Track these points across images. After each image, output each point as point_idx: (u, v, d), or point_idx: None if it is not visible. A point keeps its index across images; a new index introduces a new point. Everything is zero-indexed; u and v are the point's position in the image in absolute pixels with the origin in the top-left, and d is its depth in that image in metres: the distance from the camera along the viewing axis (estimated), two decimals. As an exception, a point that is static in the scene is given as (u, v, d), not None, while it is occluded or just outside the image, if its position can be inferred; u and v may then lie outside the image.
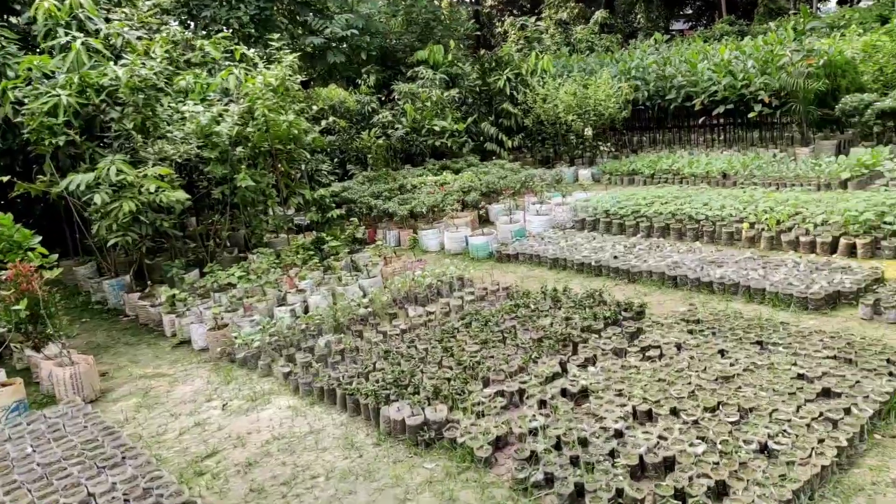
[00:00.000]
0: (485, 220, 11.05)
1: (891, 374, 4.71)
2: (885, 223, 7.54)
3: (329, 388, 5.48)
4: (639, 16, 30.88)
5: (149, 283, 8.68)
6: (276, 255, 8.92)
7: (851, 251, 7.50)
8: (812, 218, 8.01)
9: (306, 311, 7.51)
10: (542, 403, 4.85)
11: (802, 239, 7.86)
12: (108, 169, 7.58)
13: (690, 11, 36.82)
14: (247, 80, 9.60)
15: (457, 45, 16.76)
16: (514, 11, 35.49)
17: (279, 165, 9.83)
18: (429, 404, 4.92)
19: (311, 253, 8.79)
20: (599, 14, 25.07)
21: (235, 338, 6.61)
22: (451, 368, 5.46)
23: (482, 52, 17.19)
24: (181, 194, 7.91)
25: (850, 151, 11.78)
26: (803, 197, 8.91)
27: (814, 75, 12.56)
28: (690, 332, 5.81)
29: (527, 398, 4.93)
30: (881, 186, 9.70)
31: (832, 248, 7.66)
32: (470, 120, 14.06)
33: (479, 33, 30.99)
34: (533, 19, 21.73)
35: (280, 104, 9.73)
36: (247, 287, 7.85)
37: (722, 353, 5.34)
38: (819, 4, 32.84)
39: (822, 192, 9.84)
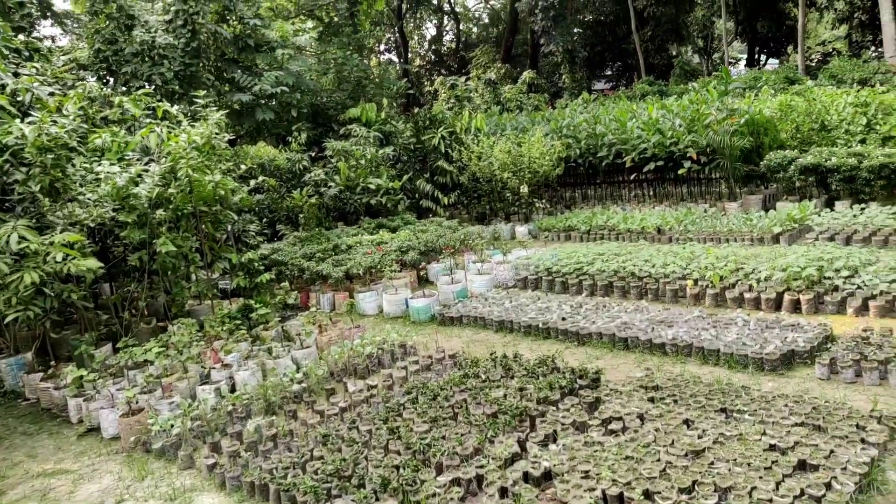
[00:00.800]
0: (425, 281, 10.64)
1: (863, 441, 4.50)
2: (825, 278, 7.58)
3: (261, 482, 4.83)
4: (563, 76, 31.95)
5: (53, 361, 7.75)
6: (198, 326, 8.19)
7: (796, 307, 7.48)
8: (755, 274, 8.00)
9: (233, 389, 6.81)
10: (504, 491, 4.37)
11: (747, 295, 7.81)
12: (9, 236, 6.78)
13: (610, 73, 38.50)
14: (170, 139, 9.01)
15: (389, 104, 16.64)
16: (443, 71, 36.19)
17: (203, 228, 9.17)
18: (377, 499, 4.36)
19: (238, 322, 8.11)
20: (527, 74, 25.72)
21: (152, 424, 5.86)
22: (399, 453, 4.92)
23: (416, 110, 17.12)
24: (93, 262, 7.15)
25: (776, 205, 12.13)
26: (741, 252, 8.95)
27: (738, 133, 13.00)
28: (651, 400, 5.50)
29: (486, 485, 4.44)
30: (813, 241, 9.91)
31: (777, 304, 7.63)
32: (406, 178, 13.80)
33: (410, 92, 31.31)
34: (462, 79, 22.00)
35: (205, 163, 9.16)
36: (165, 364, 7.08)
37: (687, 423, 5.03)
38: (730, 66, 35.00)
39: (757, 247, 9.97)
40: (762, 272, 7.91)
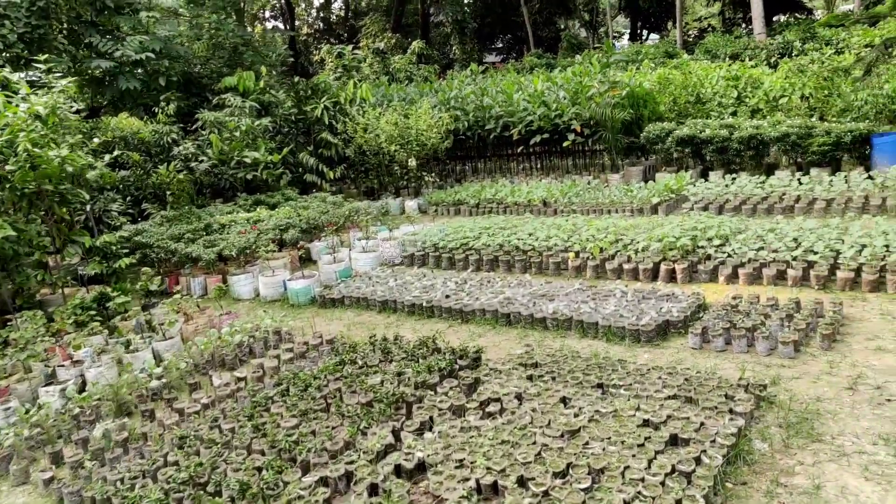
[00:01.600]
0: (306, 261, 10.12)
1: (731, 411, 4.55)
2: (699, 247, 7.77)
3: (103, 497, 4.29)
4: (454, 47, 31.68)
5: None
6: (47, 319, 7.33)
7: (672, 276, 7.63)
8: (633, 245, 8.09)
9: (83, 389, 6.11)
10: (374, 488, 4.09)
11: (626, 266, 7.90)
12: None
13: (501, 45, 38.64)
14: (7, 109, 7.95)
15: (268, 72, 15.70)
16: (332, 40, 34.96)
17: (51, 208, 8.21)
18: (233, 509, 3.95)
19: (93, 313, 7.32)
20: (416, 44, 25.22)
21: (-23, 437, 5.12)
22: (262, 454, 4.52)
23: (296, 78, 16.27)
24: None
25: (656, 176, 12.47)
26: (621, 223, 9.06)
27: (619, 105, 13.22)
28: (530, 378, 5.37)
29: (355, 483, 4.13)
30: (688, 210, 10.23)
31: (654, 274, 7.75)
32: (286, 150, 13.08)
33: (294, 60, 29.96)
34: (350, 48, 21.21)
35: (51, 137, 8.18)
36: (3, 364, 6.26)
37: (564, 401, 4.93)
38: (614, 41, 35.96)
39: (636, 218, 10.16)
40: (640, 243, 8.02)
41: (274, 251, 9.00)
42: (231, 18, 17.33)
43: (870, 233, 7.28)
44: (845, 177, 10.28)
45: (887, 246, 6.82)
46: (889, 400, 4.66)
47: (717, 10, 38.47)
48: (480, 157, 15.74)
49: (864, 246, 7.00)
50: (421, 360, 5.76)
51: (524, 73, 20.49)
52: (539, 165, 14.90)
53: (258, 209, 10.55)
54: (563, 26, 35.96)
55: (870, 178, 9.99)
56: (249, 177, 11.51)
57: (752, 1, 29.53)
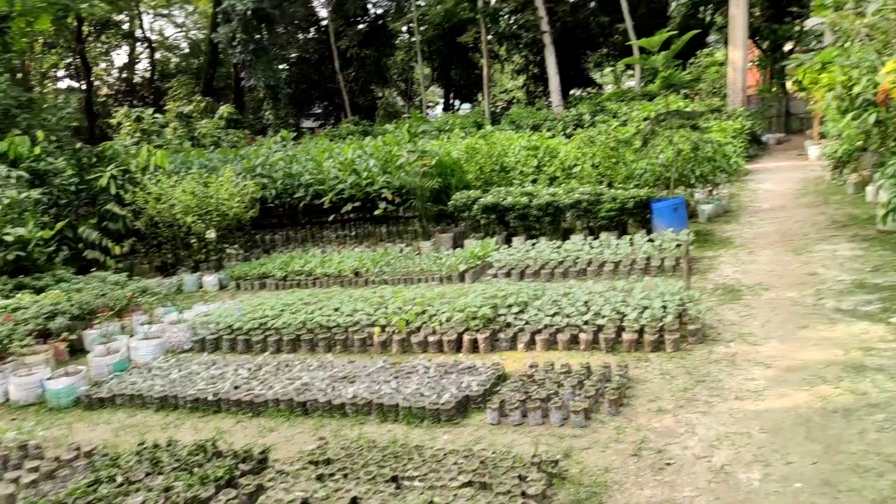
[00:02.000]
0: (78, 352, 8.83)
1: (524, 494, 4.39)
2: (499, 316, 7.82)
3: None
4: (267, 112, 31.09)
5: None
6: None
7: (474, 347, 7.57)
8: (438, 316, 7.98)
9: None
10: None
11: (431, 339, 7.73)
12: None
13: (320, 111, 38.70)
14: None
15: (46, 137, 14.07)
16: (135, 102, 32.82)
17: None
18: None
19: None
20: (224, 108, 24.33)
21: None
22: None
23: (78, 145, 14.76)
24: None
25: (465, 243, 12.72)
26: (428, 294, 8.97)
27: (428, 174, 13.45)
28: (320, 477, 4.87)
29: None
30: (492, 277, 10.44)
31: (458, 345, 7.66)
32: (61, 224, 11.61)
33: (90, 124, 27.58)
34: (150, 111, 19.88)
35: None
36: None
37: (355, 501, 4.49)
38: (428, 110, 37.51)
39: (445, 286, 10.16)
40: (444, 314, 7.92)
41: (30, 345, 7.71)
42: (3, 77, 15.45)
43: (649, 294, 7.78)
44: (630, 240, 11.11)
45: (664, 306, 7.30)
46: (668, 464, 4.78)
47: (522, 84, 41.74)
48: (292, 226, 15.17)
49: (645, 307, 7.43)
50: (196, 469, 5.03)
51: (338, 141, 20.44)
52: (353, 233, 14.65)
53: (19, 294, 9.10)
54: (380, 94, 36.89)
55: (650, 240, 10.88)
56: (12, 257, 9.98)
57: (549, 76, 32.46)
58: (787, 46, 31.51)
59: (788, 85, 21.53)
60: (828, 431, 4.89)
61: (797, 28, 29.83)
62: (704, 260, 10.53)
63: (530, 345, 7.44)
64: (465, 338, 7.61)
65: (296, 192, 14.17)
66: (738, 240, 11.62)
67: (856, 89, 11.73)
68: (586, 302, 7.93)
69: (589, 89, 38.76)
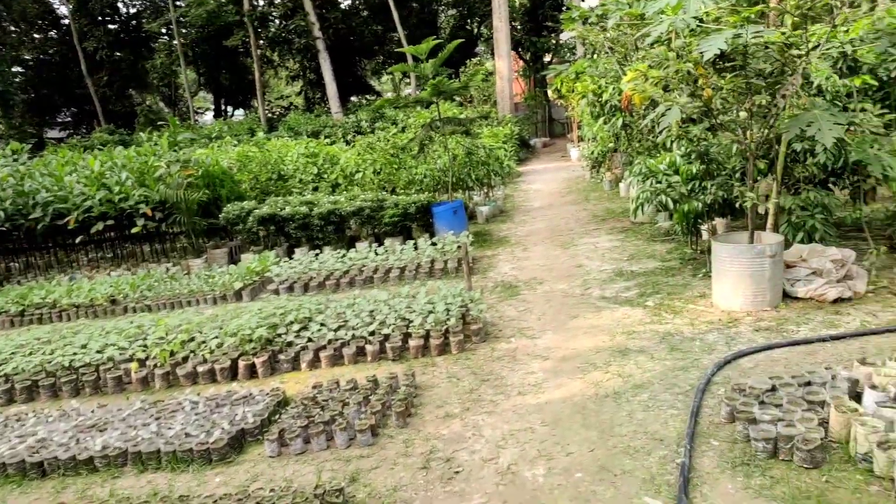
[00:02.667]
0: None
1: (304, 537, 3.90)
2: (279, 336, 7.21)
3: None
4: None
5: None
6: None
7: (252, 372, 6.88)
8: (208, 342, 7.15)
9: None
10: None
11: (201, 369, 6.88)
12: None
13: (69, 118, 34.23)
14: None
15: None
16: None
17: None
18: None
19: None
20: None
21: None
22: None
23: None
24: None
25: (242, 258, 11.81)
26: (196, 318, 8.05)
27: (194, 185, 12.28)
28: (52, 560, 3.94)
29: None
30: (273, 292, 9.74)
31: (233, 373, 6.90)
32: None
33: None
34: None
35: None
36: None
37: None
38: (197, 116, 35.00)
39: (220, 306, 9.26)
40: (214, 340, 7.11)
41: None
42: None
43: (433, 298, 7.68)
44: (415, 244, 11.07)
45: (448, 309, 7.23)
46: (457, 472, 4.60)
47: (299, 90, 40.77)
48: (32, 252, 12.98)
49: (430, 312, 7.30)
50: None
51: (91, 152, 18.05)
52: (109, 255, 12.90)
53: None
54: (140, 100, 33.60)
55: (433, 244, 10.93)
56: None
57: (326, 82, 32.04)
58: (547, 58, 34.48)
59: (549, 93, 23.41)
60: (601, 416, 5.05)
61: (553, 41, 32.72)
62: (484, 259, 10.82)
63: (314, 363, 6.94)
64: (241, 363, 6.89)
65: (31, 212, 12.10)
66: (514, 238, 12.17)
67: (605, 96, 12.92)
68: (372, 312, 7.62)
69: (368, 96, 39.04)
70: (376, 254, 10.78)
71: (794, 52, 6.49)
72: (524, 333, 7.02)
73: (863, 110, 6.56)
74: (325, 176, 15.65)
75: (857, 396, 4.49)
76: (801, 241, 7.35)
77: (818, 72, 7.47)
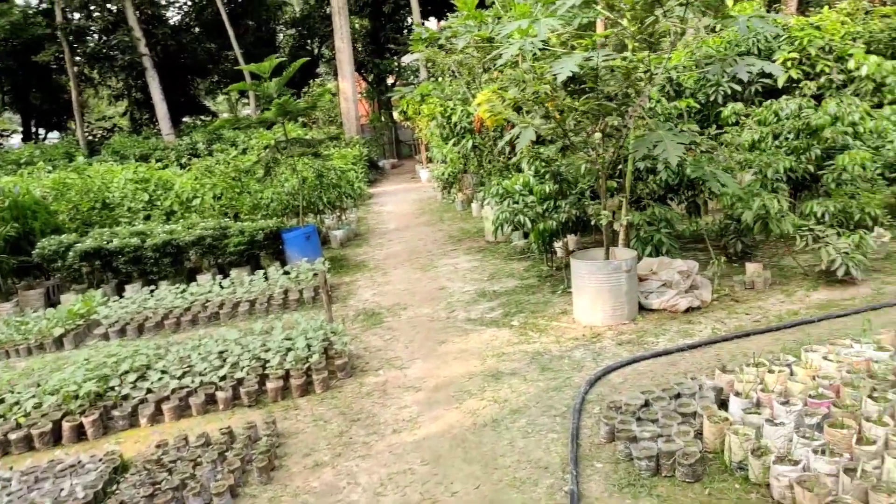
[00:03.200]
0: None
1: None
2: (111, 389, 6.27)
3: None
4: None
5: None
6: None
7: (81, 434, 5.90)
8: (22, 404, 6.05)
9: None
10: None
11: (14, 436, 5.78)
12: None
13: None
14: None
15: None
16: None
17: None
18: None
19: None
20: None
21: None
22: None
23: None
24: None
25: (61, 299, 10.38)
26: (6, 375, 6.83)
27: (0, 219, 10.64)
28: None
29: None
30: (102, 337, 8.59)
31: (56, 436, 5.88)
32: None
33: None
34: None
35: None
36: None
37: None
38: (3, 140, 31.08)
39: (35, 359, 7.99)
40: (29, 399, 6.03)
41: None
42: None
43: (291, 333, 7.11)
44: (265, 274, 10.35)
45: (309, 345, 6.71)
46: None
47: (124, 110, 37.64)
48: None
49: (288, 349, 6.73)
50: None
51: None
52: None
53: None
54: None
55: (286, 272, 10.27)
56: None
57: (155, 102, 29.79)
58: (390, 80, 34.64)
59: (395, 115, 23.44)
60: (482, 448, 4.83)
61: (396, 63, 32.96)
62: (343, 286, 10.35)
63: (156, 417, 6.10)
64: (66, 425, 5.88)
65: None
66: (372, 262, 11.81)
67: (454, 119, 13.00)
68: (221, 353, 6.89)
69: (203, 117, 36.90)
70: (221, 287, 9.91)
71: (638, 75, 6.81)
72: (393, 364, 6.68)
73: (703, 134, 7.01)
74: (159, 203, 14.32)
75: (723, 404, 4.65)
76: (650, 255, 7.70)
77: (651, 95, 7.96)
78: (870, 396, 4.07)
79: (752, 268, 7.35)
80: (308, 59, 12.65)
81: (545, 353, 6.31)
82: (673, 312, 6.87)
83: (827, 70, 10.67)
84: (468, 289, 9.07)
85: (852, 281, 6.94)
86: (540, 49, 7.71)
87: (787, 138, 8.61)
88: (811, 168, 8.18)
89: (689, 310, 6.84)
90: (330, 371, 6.58)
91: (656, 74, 6.61)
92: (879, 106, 10.07)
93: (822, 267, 6.89)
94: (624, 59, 6.67)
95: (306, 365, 6.46)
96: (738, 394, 4.48)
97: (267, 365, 6.49)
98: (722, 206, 8.40)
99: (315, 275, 10.07)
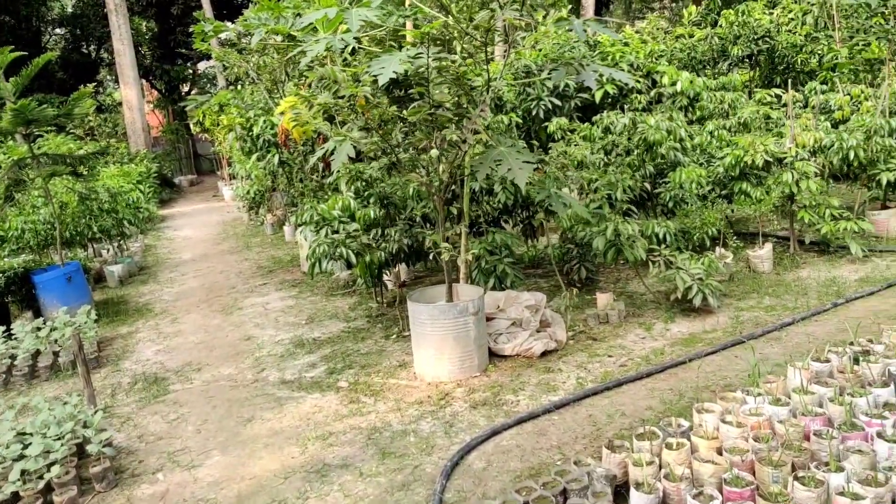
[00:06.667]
0: None
1: None
2: None
3: None
4: None
5: None
6: None
7: None
8: None
9: None
10: None
11: None
12: None
13: None
14: None
15: None
16: None
17: None
18: None
19: None
20: None
21: None
22: None
23: None
24: None
25: None
26: None
27: None
28: None
29: None
30: None
31: None
32: None
33: None
34: None
35: None
36: None
37: None
38: None
39: None
40: None
41: None
42: None
43: (26, 427, 5.06)
44: (7, 331, 7.92)
45: (49, 450, 4.74)
46: None
47: None
48: None
49: (20, 456, 4.71)
50: None
51: None
52: None
53: None
54: None
55: (38, 328, 7.92)
56: None
57: None
58: (185, 88, 31.32)
59: (192, 126, 20.80)
60: None
61: (190, 70, 29.81)
62: (118, 340, 8.20)
63: None
64: None
65: None
66: (159, 304, 9.68)
67: (255, 130, 11.26)
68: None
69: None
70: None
71: (478, 81, 5.78)
72: (178, 461, 4.92)
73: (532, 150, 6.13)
74: None
75: (619, 495, 3.65)
76: (493, 288, 6.71)
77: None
78: (796, 478, 3.27)
79: (603, 299, 6.63)
80: (53, 54, 10.21)
81: (384, 429, 4.97)
82: (528, 358, 5.89)
83: (639, 86, 10.60)
84: (282, 337, 7.46)
85: (709, 309, 6.46)
86: (351, 51, 6.48)
87: (619, 154, 8.13)
88: (647, 186, 7.75)
89: (545, 353, 5.91)
90: (84, 479, 4.71)
91: (495, 80, 5.61)
92: (691, 122, 10.14)
93: (677, 295, 6.32)
94: (453, 62, 5.60)
95: (47, 480, 4.52)
96: (638, 485, 3.50)
97: (-17, 486, 4.45)
98: (562, 228, 7.69)
99: (87, 324, 7.86)
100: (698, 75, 10.39)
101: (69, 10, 30.98)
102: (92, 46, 30.89)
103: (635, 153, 7.95)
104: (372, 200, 7.03)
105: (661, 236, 6.98)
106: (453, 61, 5.66)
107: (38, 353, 7.53)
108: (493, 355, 5.98)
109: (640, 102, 9.20)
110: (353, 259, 6.69)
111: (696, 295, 6.17)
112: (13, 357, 7.46)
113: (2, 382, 6.94)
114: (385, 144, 5.69)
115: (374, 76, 4.75)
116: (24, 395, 6.63)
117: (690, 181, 7.37)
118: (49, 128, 9.60)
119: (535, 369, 5.66)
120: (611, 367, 5.54)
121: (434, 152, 5.41)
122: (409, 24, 6.47)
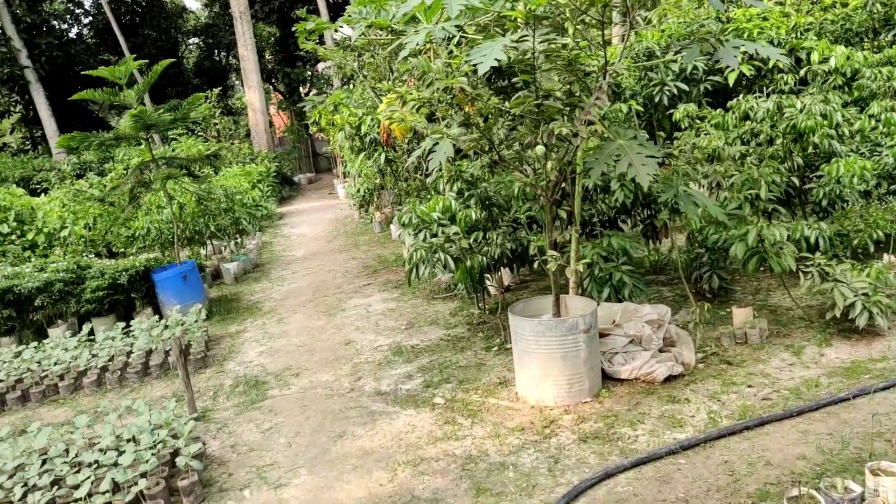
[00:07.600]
0: None
1: None
2: None
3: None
4: None
5: None
6: None
7: None
8: None
9: None
10: None
11: None
12: None
13: None
14: None
15: None
16: None
17: None
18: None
19: None
20: None
21: None
22: None
23: None
24: None
25: None
26: None
27: None
28: None
29: None
30: None
31: None
32: None
33: None
34: None
35: None
36: None
37: None
38: None
39: None
40: None
41: None
42: None
43: (123, 433, 5.01)
44: (126, 328, 8.20)
45: (140, 457, 4.63)
46: None
47: (11, 128, 33.95)
48: None
49: (114, 464, 4.64)
50: None
51: None
52: None
53: None
54: None
55: (154, 326, 8.13)
56: None
57: (43, 119, 26.68)
58: (304, 89, 32.40)
59: (310, 126, 21.39)
60: None
61: (309, 72, 30.76)
62: (226, 339, 8.25)
63: None
64: None
65: None
66: (268, 303, 9.72)
67: (363, 129, 11.12)
68: (21, 467, 4.76)
69: (103, 132, 33.59)
70: (65, 349, 7.69)
71: (587, 66, 5.12)
72: (266, 479, 4.67)
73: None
74: (27, 235, 11.88)
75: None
76: (608, 299, 6.00)
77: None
78: None
79: (741, 314, 5.73)
80: (173, 59, 10.48)
81: (480, 458, 4.45)
82: (648, 383, 5.15)
83: (781, 65, 9.34)
84: (381, 343, 7.14)
85: (876, 331, 5.40)
86: (458, 42, 5.99)
87: (759, 144, 7.10)
88: (794, 181, 6.70)
89: (669, 378, 5.14)
90: (173, 492, 4.57)
91: (612, 65, 4.92)
92: (846, 105, 8.80)
93: (834, 313, 5.31)
94: (563, 45, 4.96)
95: (136, 494, 4.40)
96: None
97: (73, 496, 4.39)
98: (689, 229, 6.81)
99: (196, 323, 8.00)
100: (855, 50, 8.99)
101: (203, 20, 32.92)
102: (222, 53, 32.67)
103: (779, 143, 6.89)
104: (473, 201, 6.52)
105: (812, 241, 5.96)
106: (564, 45, 5.04)
107: (149, 351, 7.70)
108: (608, 378, 5.29)
109: (786, 84, 8.04)
110: (452, 265, 6.21)
111: (860, 314, 5.14)
112: (128, 354, 7.67)
113: (117, 379, 7.11)
114: (485, 141, 5.16)
115: (474, 65, 4.25)
116: (135, 392, 6.74)
117: (851, 175, 6.26)
118: (181, 131, 9.95)
119: (656, 398, 4.92)
120: (751, 399, 4.69)
121: (540, 149, 4.80)
122: (520, 6, 5.89)
